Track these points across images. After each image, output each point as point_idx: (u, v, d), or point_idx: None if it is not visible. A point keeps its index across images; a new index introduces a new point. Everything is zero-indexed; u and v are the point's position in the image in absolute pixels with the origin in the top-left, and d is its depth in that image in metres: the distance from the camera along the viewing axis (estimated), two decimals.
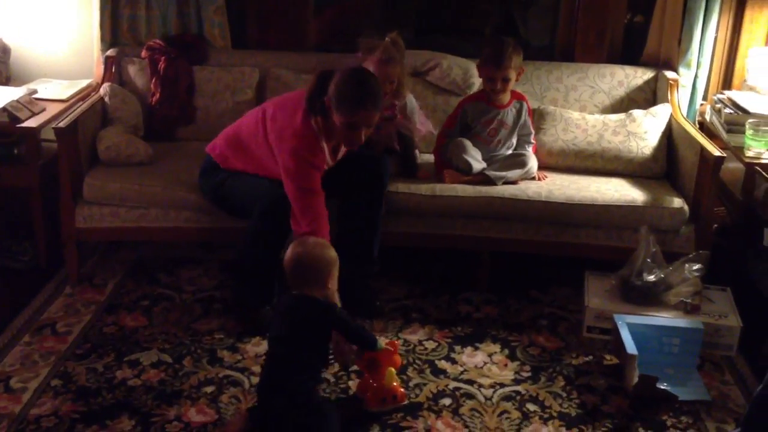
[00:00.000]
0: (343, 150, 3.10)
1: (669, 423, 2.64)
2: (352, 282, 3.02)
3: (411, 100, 3.44)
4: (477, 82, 3.69)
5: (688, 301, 3.08)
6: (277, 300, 2.62)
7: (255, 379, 2.76)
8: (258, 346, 2.95)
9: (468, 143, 3.41)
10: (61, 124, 3.19)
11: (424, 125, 3.50)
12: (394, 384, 2.64)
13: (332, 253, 2.63)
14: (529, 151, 3.49)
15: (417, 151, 3.52)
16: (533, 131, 3.54)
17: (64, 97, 3.63)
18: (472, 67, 3.71)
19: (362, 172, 3.16)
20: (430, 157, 3.57)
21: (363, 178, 3.15)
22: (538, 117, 3.67)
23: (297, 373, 2.41)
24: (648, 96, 3.77)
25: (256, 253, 2.99)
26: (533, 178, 3.45)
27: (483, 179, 3.37)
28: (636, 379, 2.70)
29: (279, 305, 2.66)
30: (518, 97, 3.51)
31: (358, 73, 2.86)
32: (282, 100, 3.06)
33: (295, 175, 2.86)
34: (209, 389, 2.71)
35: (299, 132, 2.87)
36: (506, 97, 3.46)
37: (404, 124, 3.41)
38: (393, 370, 2.64)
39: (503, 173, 3.37)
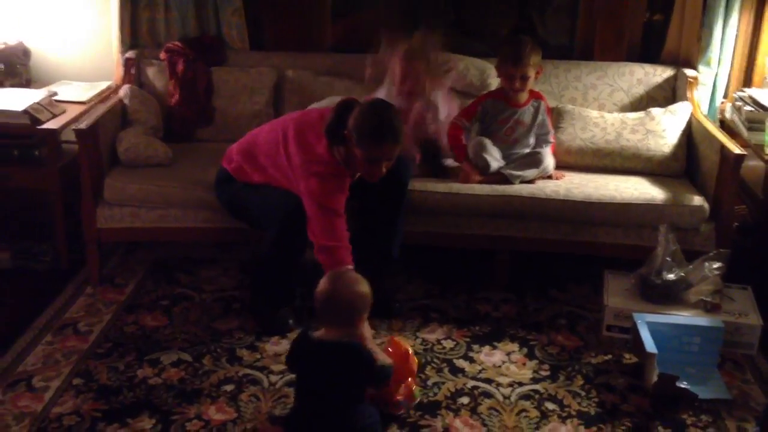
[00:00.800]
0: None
1: (689, 422, 2.62)
2: (369, 281, 3.03)
3: (438, 96, 3.39)
4: (494, 84, 3.68)
5: (709, 299, 3.06)
6: (301, 338, 2.43)
7: (273, 378, 2.77)
8: (277, 345, 2.96)
9: (488, 142, 3.41)
10: (82, 126, 3.22)
11: (450, 116, 3.47)
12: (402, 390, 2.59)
13: (367, 292, 2.42)
14: (546, 149, 3.48)
15: (446, 159, 3.49)
16: (552, 130, 3.53)
17: (84, 99, 3.66)
18: (489, 68, 3.71)
19: (385, 176, 3.13)
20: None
21: (386, 182, 3.08)
22: (557, 116, 3.66)
23: (341, 420, 2.32)
24: (668, 94, 3.75)
25: (276, 261, 2.99)
26: (549, 177, 3.44)
27: (500, 179, 3.37)
28: (656, 378, 2.69)
29: (305, 349, 2.40)
30: (536, 96, 3.50)
31: (378, 107, 2.82)
32: (302, 125, 2.97)
33: (320, 195, 2.82)
34: (229, 388, 2.73)
35: (325, 160, 2.84)
36: (524, 96, 3.45)
37: (426, 129, 3.38)
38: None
39: (520, 172, 3.37)
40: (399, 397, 2.59)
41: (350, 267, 2.74)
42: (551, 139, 3.53)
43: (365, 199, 3.13)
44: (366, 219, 3.16)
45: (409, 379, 2.63)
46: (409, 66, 3.20)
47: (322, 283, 2.37)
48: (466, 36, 4.23)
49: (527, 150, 3.49)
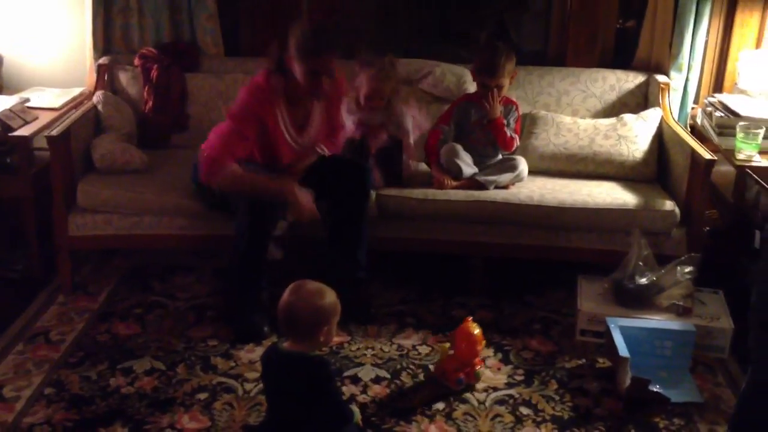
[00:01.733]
0: (310, 133, 3.17)
1: (662, 425, 2.64)
2: (343, 287, 3.04)
3: (404, 114, 3.48)
4: (471, 88, 3.69)
5: (680, 303, 3.08)
6: (266, 353, 2.43)
7: (248, 386, 2.76)
8: (251, 353, 2.96)
9: (459, 148, 3.43)
10: (54, 133, 3.19)
11: (421, 127, 3.52)
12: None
13: (330, 303, 2.30)
14: (520, 157, 3.50)
15: (410, 161, 3.53)
16: (516, 135, 3.56)
17: (56, 105, 3.63)
18: (466, 74, 3.73)
19: (346, 180, 3.18)
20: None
21: (347, 185, 3.18)
22: (530, 121, 3.68)
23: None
24: (639, 100, 3.79)
25: (241, 249, 3.00)
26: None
27: (474, 184, 3.38)
28: (628, 382, 2.71)
29: (268, 361, 2.39)
30: (508, 102, 3.52)
31: (314, 23, 3.02)
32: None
33: (237, 107, 3.03)
34: (203, 396, 2.71)
35: (258, 81, 3.05)
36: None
37: (383, 140, 3.45)
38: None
39: (494, 177, 3.39)
40: (461, 375, 2.75)
41: (234, 167, 2.97)
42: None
43: (332, 201, 3.18)
44: (334, 225, 3.20)
45: (475, 359, 2.80)
46: (380, 85, 3.36)
47: (284, 295, 2.31)
48: (446, 41, 4.26)
49: (501, 155, 3.51)
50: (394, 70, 3.43)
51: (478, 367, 2.82)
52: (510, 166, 3.44)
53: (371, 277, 3.30)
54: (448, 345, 2.83)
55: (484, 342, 2.83)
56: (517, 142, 3.55)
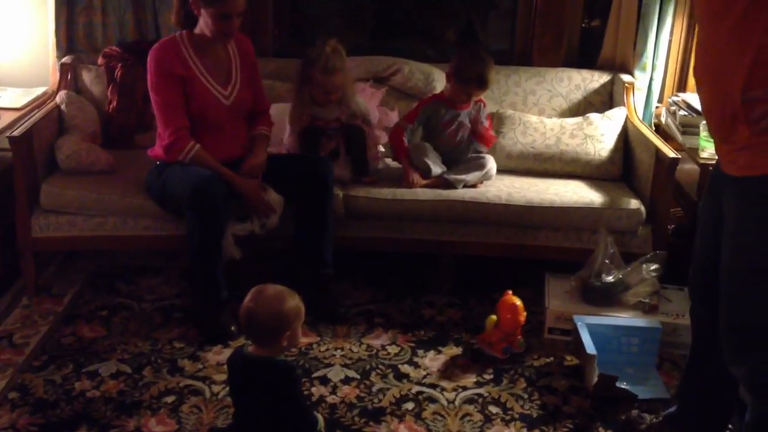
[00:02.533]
0: (235, 86, 3.17)
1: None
2: (311, 287, 3.05)
3: (360, 103, 3.48)
4: (439, 86, 3.71)
5: (647, 301, 3.12)
6: (231, 357, 2.38)
7: (216, 388, 2.74)
8: (219, 355, 2.93)
9: (428, 146, 3.43)
10: (16, 133, 3.14)
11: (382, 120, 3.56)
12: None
13: (291, 307, 2.24)
14: (489, 155, 3.52)
15: (379, 156, 3.54)
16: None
17: (18, 105, 3.57)
18: (434, 72, 3.74)
19: (307, 177, 3.18)
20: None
21: (308, 182, 3.17)
22: (498, 120, 3.70)
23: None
24: (605, 99, 3.82)
25: (195, 246, 2.98)
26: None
27: (442, 183, 3.39)
28: (596, 379, 2.73)
29: (233, 365, 2.35)
30: (478, 100, 3.54)
31: None
32: None
33: (151, 75, 3.06)
34: (170, 399, 2.69)
35: (156, 44, 3.10)
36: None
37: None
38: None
39: (462, 176, 3.39)
40: (506, 344, 2.95)
41: (195, 147, 3.04)
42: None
43: (296, 199, 3.18)
44: (299, 223, 3.20)
45: (518, 330, 2.99)
46: (328, 78, 3.29)
47: (245, 300, 2.26)
48: (415, 39, 4.26)
49: (471, 154, 3.52)
50: (342, 59, 3.32)
51: (519, 337, 3.01)
52: (478, 165, 3.45)
53: (338, 276, 3.29)
54: (495, 318, 2.98)
55: (525, 313, 2.99)
56: (495, 137, 3.58)
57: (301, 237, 3.20)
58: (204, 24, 3.02)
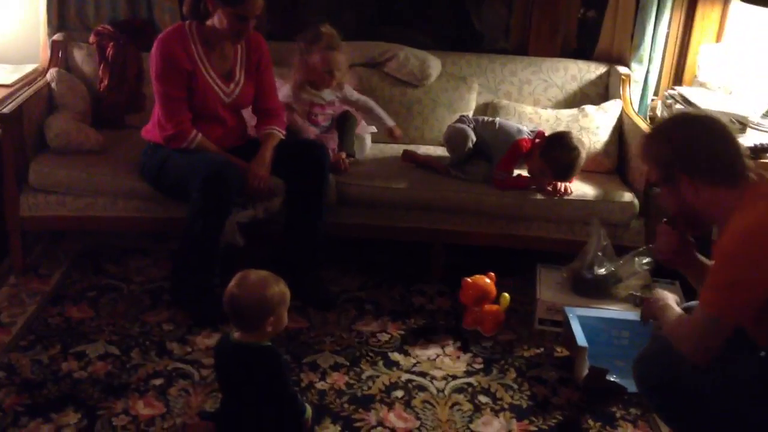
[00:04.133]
0: (238, 84, 3.14)
1: (618, 414, 2.67)
2: (302, 272, 3.03)
3: (348, 89, 3.50)
4: (434, 74, 3.69)
5: (638, 294, 3.11)
6: (218, 343, 2.39)
7: (205, 372, 2.72)
8: (208, 339, 2.91)
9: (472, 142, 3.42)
10: (5, 110, 3.09)
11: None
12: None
13: (275, 293, 2.22)
14: None
15: (368, 139, 3.57)
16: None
17: (8, 82, 3.51)
18: (430, 59, 3.72)
19: (303, 160, 3.16)
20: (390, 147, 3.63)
21: (304, 165, 3.15)
22: (493, 110, 3.68)
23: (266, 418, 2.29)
24: (600, 90, 3.81)
25: (195, 231, 2.95)
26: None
27: (442, 170, 3.40)
28: (586, 371, 2.73)
29: (220, 351, 2.35)
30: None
31: None
32: None
33: (156, 65, 3.01)
34: (158, 382, 2.67)
35: (164, 33, 3.06)
36: None
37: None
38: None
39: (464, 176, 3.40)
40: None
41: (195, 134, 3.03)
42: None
43: (290, 182, 3.17)
44: (292, 206, 3.18)
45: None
46: (334, 56, 3.32)
47: (229, 285, 2.24)
48: (407, 27, 4.23)
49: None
50: (339, 40, 3.35)
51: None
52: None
53: (328, 262, 3.28)
54: (507, 296, 3.10)
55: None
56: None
57: (294, 220, 3.18)
58: (218, 21, 2.98)
